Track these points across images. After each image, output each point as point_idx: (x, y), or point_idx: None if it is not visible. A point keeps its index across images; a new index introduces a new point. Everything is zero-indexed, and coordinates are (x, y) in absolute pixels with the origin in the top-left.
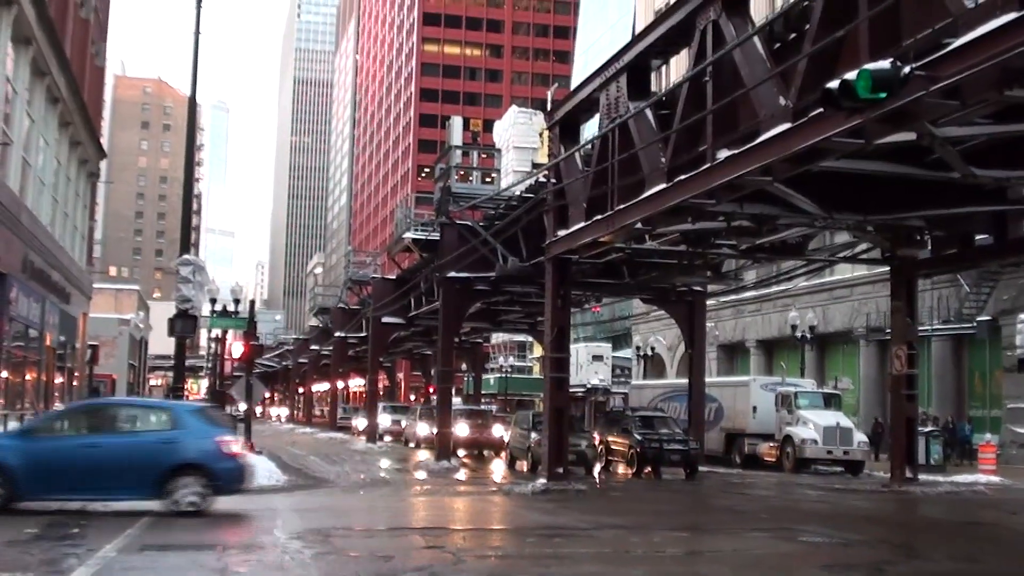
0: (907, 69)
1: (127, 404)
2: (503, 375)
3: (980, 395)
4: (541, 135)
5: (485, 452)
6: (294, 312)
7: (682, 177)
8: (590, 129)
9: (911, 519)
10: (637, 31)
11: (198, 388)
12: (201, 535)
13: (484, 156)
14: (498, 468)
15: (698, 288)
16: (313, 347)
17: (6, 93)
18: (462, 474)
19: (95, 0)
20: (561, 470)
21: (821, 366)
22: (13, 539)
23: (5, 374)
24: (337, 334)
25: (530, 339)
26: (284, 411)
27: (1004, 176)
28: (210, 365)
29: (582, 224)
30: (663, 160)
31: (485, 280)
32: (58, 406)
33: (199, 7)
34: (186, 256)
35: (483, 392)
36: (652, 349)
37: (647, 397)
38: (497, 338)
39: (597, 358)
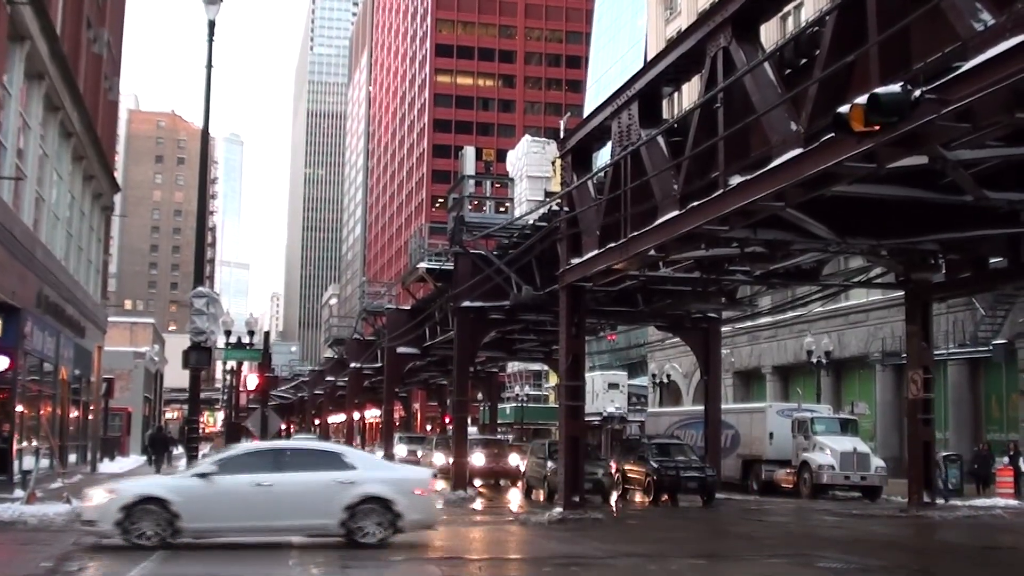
0: (918, 93)
1: None
2: (519, 404)
3: (997, 419)
4: (554, 164)
5: (501, 481)
6: (309, 343)
7: (695, 204)
8: (603, 157)
9: (929, 544)
10: (648, 59)
11: (214, 420)
12: (215, 567)
13: (497, 185)
14: (514, 497)
15: (713, 315)
16: (328, 378)
17: (20, 128)
18: (478, 503)
19: (108, 35)
20: (578, 499)
21: (837, 391)
22: (30, 573)
23: (20, 408)
24: (352, 365)
25: (545, 368)
26: None
27: (1017, 198)
28: (225, 397)
29: (595, 252)
30: (675, 187)
31: (499, 309)
32: None
33: (211, 41)
34: (200, 288)
35: (499, 421)
36: (668, 376)
37: (663, 425)
38: (512, 367)
39: (613, 386)
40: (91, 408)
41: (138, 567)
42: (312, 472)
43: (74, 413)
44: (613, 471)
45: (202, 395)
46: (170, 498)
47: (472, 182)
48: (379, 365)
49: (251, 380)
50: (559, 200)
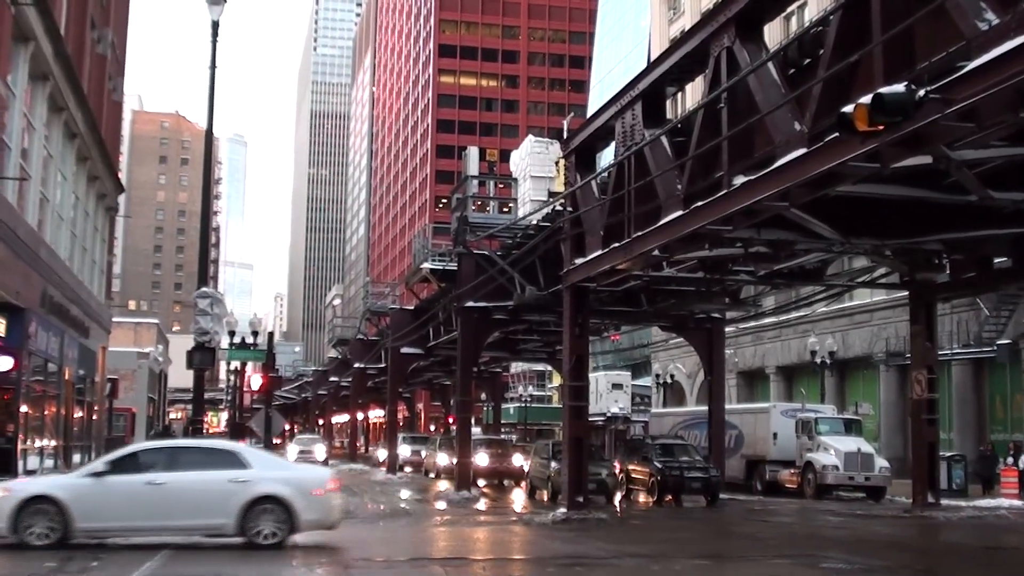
0: (922, 92)
1: None
2: (522, 404)
3: (1001, 419)
4: (557, 164)
5: (505, 482)
6: (313, 344)
7: (699, 204)
8: (606, 157)
9: (934, 544)
10: (652, 59)
11: (218, 421)
12: (221, 567)
13: (501, 186)
14: (518, 498)
15: (717, 315)
16: (332, 379)
17: (24, 129)
18: (482, 504)
19: (112, 35)
20: (581, 499)
21: (841, 392)
22: (34, 573)
23: (25, 408)
24: (356, 365)
25: (549, 368)
26: None
27: (1022, 198)
28: (229, 398)
29: (599, 252)
30: (679, 187)
31: (503, 309)
32: None
33: (215, 41)
34: (204, 289)
35: (503, 421)
36: (672, 377)
37: (667, 425)
38: (516, 367)
39: (617, 386)
40: (95, 408)
41: (139, 569)
42: (208, 471)
43: (78, 413)
44: (617, 471)
45: (206, 395)
46: (62, 497)
47: (476, 182)
48: (383, 365)
49: (255, 380)
50: (563, 200)
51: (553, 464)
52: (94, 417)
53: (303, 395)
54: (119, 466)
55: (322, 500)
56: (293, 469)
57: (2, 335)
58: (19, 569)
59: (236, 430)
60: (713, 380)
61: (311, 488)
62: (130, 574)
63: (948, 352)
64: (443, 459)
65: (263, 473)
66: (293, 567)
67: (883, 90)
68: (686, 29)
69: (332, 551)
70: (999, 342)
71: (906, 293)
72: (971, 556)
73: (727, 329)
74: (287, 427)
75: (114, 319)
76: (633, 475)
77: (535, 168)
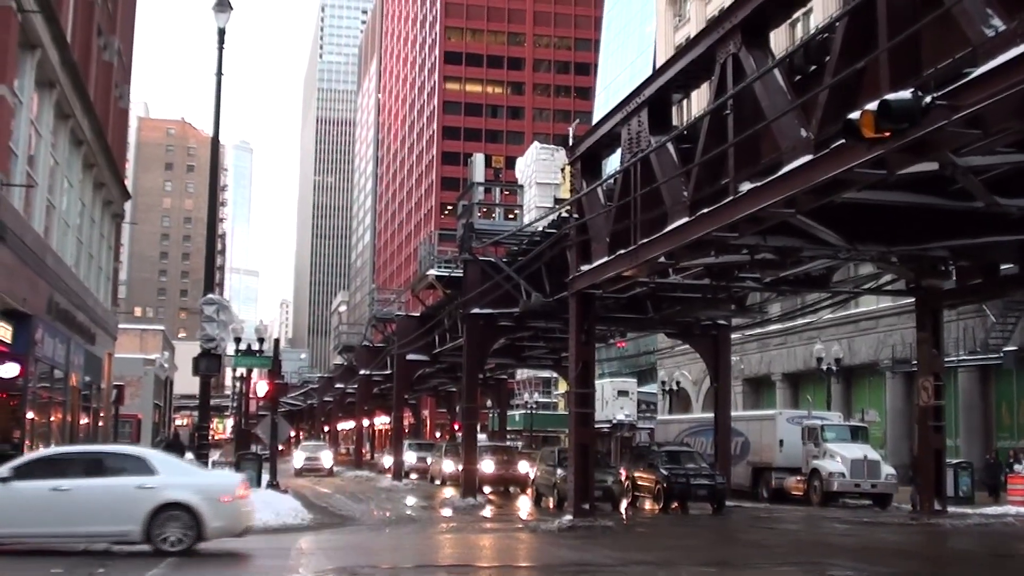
0: (928, 99)
1: None
2: (528, 411)
3: (1008, 426)
4: (563, 171)
5: (511, 489)
6: (319, 350)
7: (705, 210)
8: (612, 164)
9: (941, 552)
10: (657, 66)
11: (223, 427)
12: (227, 574)
13: (506, 192)
14: (524, 505)
15: (722, 322)
16: (338, 385)
17: (30, 136)
18: (488, 511)
19: (118, 43)
20: (587, 506)
21: (847, 399)
22: None
23: (31, 415)
24: (362, 372)
25: (555, 375)
26: None
27: None
28: (235, 404)
29: (605, 259)
30: (685, 194)
31: (509, 316)
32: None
33: (221, 49)
34: (210, 295)
35: (508, 428)
36: (677, 384)
37: (673, 432)
38: (522, 374)
39: (622, 393)
40: (101, 415)
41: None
42: (115, 477)
43: (84, 420)
44: (623, 478)
45: (212, 402)
46: None
47: (481, 189)
48: (389, 372)
49: (261, 387)
50: (568, 207)
51: (559, 471)
52: (100, 424)
53: (309, 402)
54: (24, 472)
55: (230, 507)
56: (202, 475)
57: (8, 342)
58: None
59: (242, 436)
60: (719, 387)
61: (219, 494)
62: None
63: (954, 359)
64: (449, 466)
65: (170, 479)
66: (300, 574)
67: (889, 97)
68: (692, 36)
69: (338, 557)
70: (1005, 349)
71: (912, 300)
72: (979, 563)
73: (733, 336)
74: (293, 434)
75: (120, 326)
76: (639, 482)
77: (541, 175)
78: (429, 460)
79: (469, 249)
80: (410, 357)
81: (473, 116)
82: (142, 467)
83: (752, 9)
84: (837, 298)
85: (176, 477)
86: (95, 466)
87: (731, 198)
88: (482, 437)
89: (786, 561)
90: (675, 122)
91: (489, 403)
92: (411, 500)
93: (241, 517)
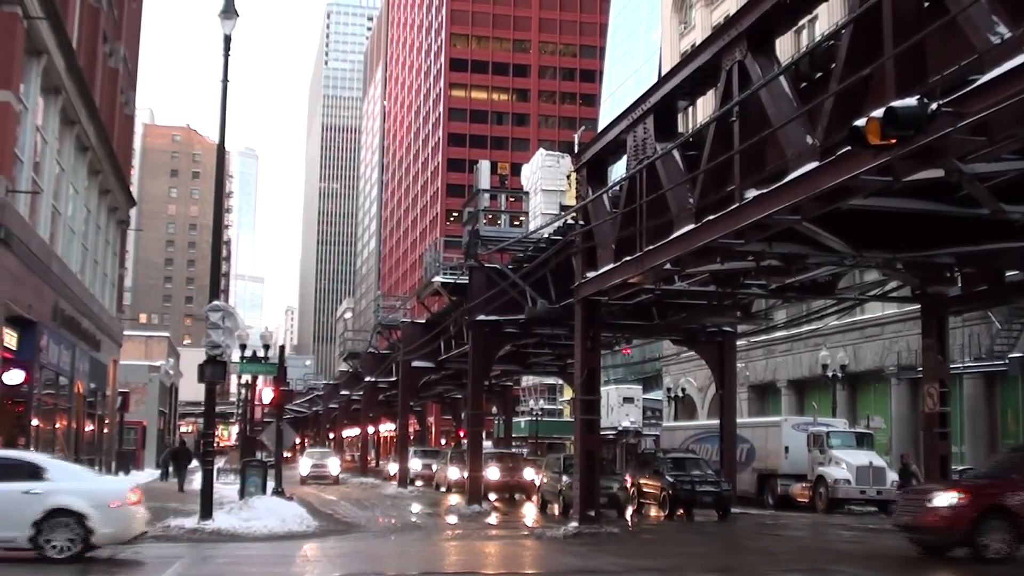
0: (934, 106)
1: None
2: (533, 418)
3: (1013, 432)
4: (569, 178)
5: (516, 496)
6: (324, 357)
7: (710, 217)
8: (618, 171)
9: (947, 558)
10: (663, 73)
11: (228, 434)
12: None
13: (512, 199)
14: (529, 512)
15: (728, 328)
16: (343, 392)
17: (36, 142)
18: (493, 518)
19: (124, 49)
20: (593, 513)
21: (853, 405)
22: None
23: (36, 422)
24: (367, 379)
25: (560, 382)
26: None
27: None
28: (240, 411)
29: (611, 266)
30: (691, 200)
31: (514, 323)
32: None
33: (227, 55)
34: (216, 302)
35: (514, 435)
36: (683, 390)
37: (678, 439)
38: (527, 381)
39: (628, 400)
40: (106, 422)
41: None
42: (3, 483)
43: (89, 427)
44: (628, 485)
45: (217, 409)
46: None
47: (487, 196)
48: (394, 379)
49: (266, 394)
50: (574, 214)
51: (564, 478)
52: (105, 430)
53: (314, 408)
54: None
55: (120, 513)
56: (92, 481)
57: (14, 348)
58: None
59: (247, 444)
60: (724, 394)
61: (109, 500)
62: None
63: (960, 365)
64: (454, 473)
65: (60, 485)
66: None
67: (895, 104)
68: (697, 43)
69: (344, 564)
70: (1011, 355)
71: (917, 306)
72: (984, 570)
73: (738, 342)
74: (298, 440)
75: (125, 332)
76: (645, 489)
77: (546, 181)
78: (434, 467)
79: (475, 256)
80: (415, 364)
81: (479, 123)
82: (33, 472)
83: (758, 16)
84: (842, 305)
85: (66, 483)
86: None
87: (737, 205)
88: (487, 444)
89: (791, 568)
90: (681, 129)
91: (494, 410)
92: (416, 507)
93: (132, 524)
